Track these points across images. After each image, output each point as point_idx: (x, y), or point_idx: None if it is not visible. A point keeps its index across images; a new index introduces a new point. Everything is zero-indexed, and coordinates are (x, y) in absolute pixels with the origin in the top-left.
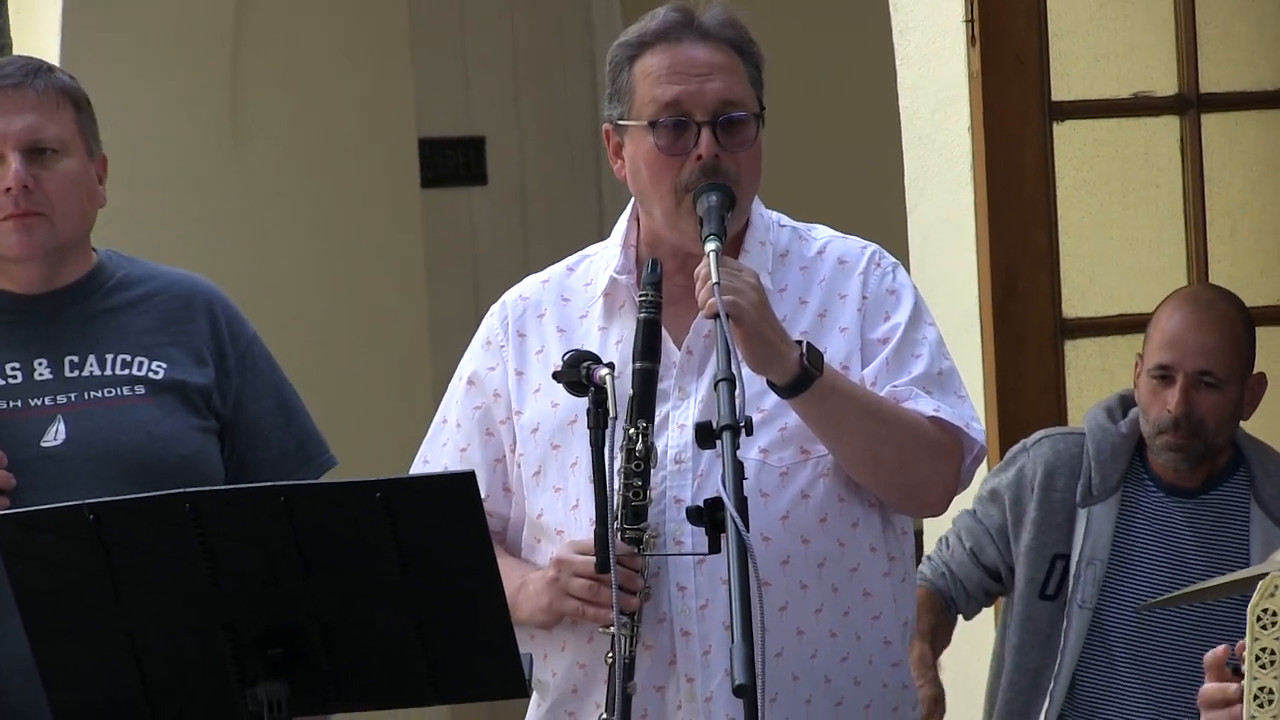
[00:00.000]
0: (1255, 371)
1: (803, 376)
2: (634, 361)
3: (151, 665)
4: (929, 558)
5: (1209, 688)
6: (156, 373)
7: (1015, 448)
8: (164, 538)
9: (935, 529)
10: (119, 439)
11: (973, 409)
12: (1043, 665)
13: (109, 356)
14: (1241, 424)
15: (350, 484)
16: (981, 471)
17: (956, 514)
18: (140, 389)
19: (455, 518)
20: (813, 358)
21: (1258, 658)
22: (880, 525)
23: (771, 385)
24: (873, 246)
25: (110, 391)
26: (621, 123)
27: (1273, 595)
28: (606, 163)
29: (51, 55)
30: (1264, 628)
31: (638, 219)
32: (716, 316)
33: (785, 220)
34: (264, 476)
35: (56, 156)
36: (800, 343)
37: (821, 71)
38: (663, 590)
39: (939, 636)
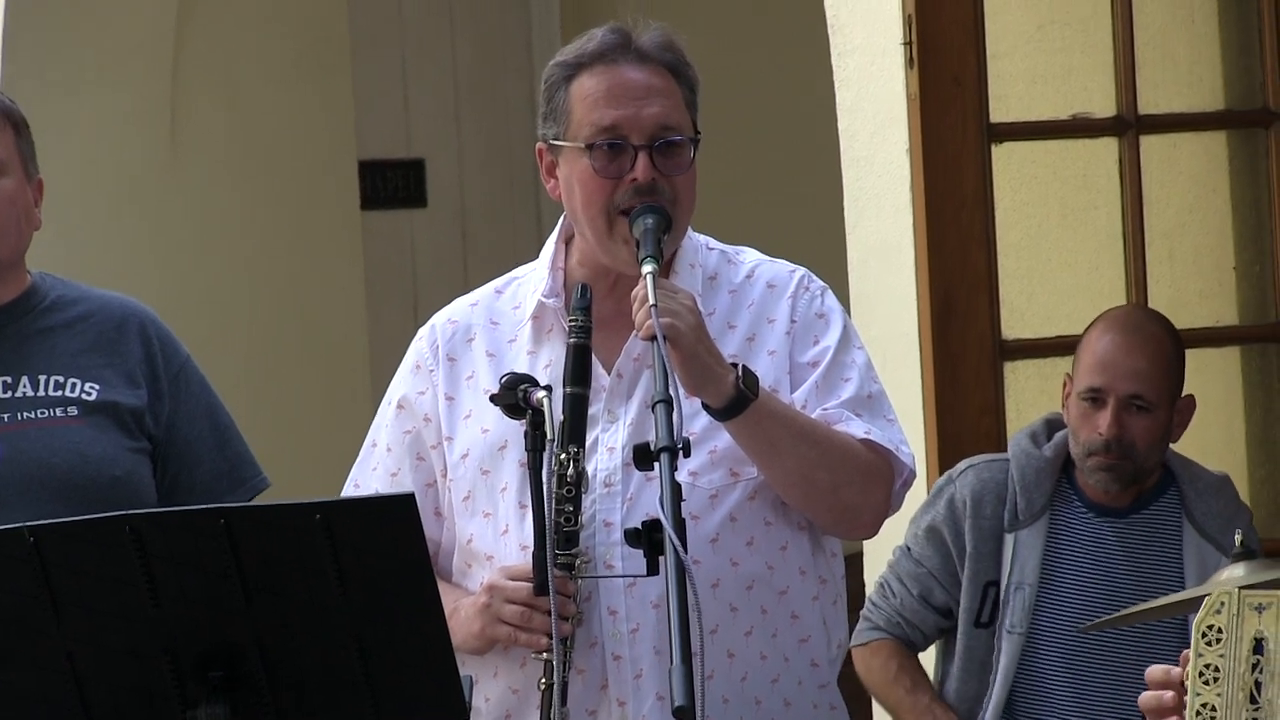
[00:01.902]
0: (1185, 394)
1: (738, 399)
2: (564, 386)
3: (92, 689)
4: (875, 604)
5: (1145, 695)
6: (89, 394)
7: (941, 480)
8: (104, 560)
9: (874, 552)
10: (51, 460)
11: (902, 432)
12: (980, 692)
13: (42, 378)
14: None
15: (290, 506)
16: (913, 500)
17: (893, 553)
18: (73, 410)
19: (395, 539)
20: (748, 381)
21: (1201, 674)
22: (810, 548)
23: (706, 408)
24: (801, 270)
25: (43, 412)
26: (556, 143)
27: (1219, 611)
28: (545, 185)
29: None
30: (1209, 644)
31: (566, 241)
32: (654, 339)
33: (713, 243)
34: (196, 498)
35: None
36: (736, 365)
37: (760, 93)
38: (594, 614)
39: (926, 684)
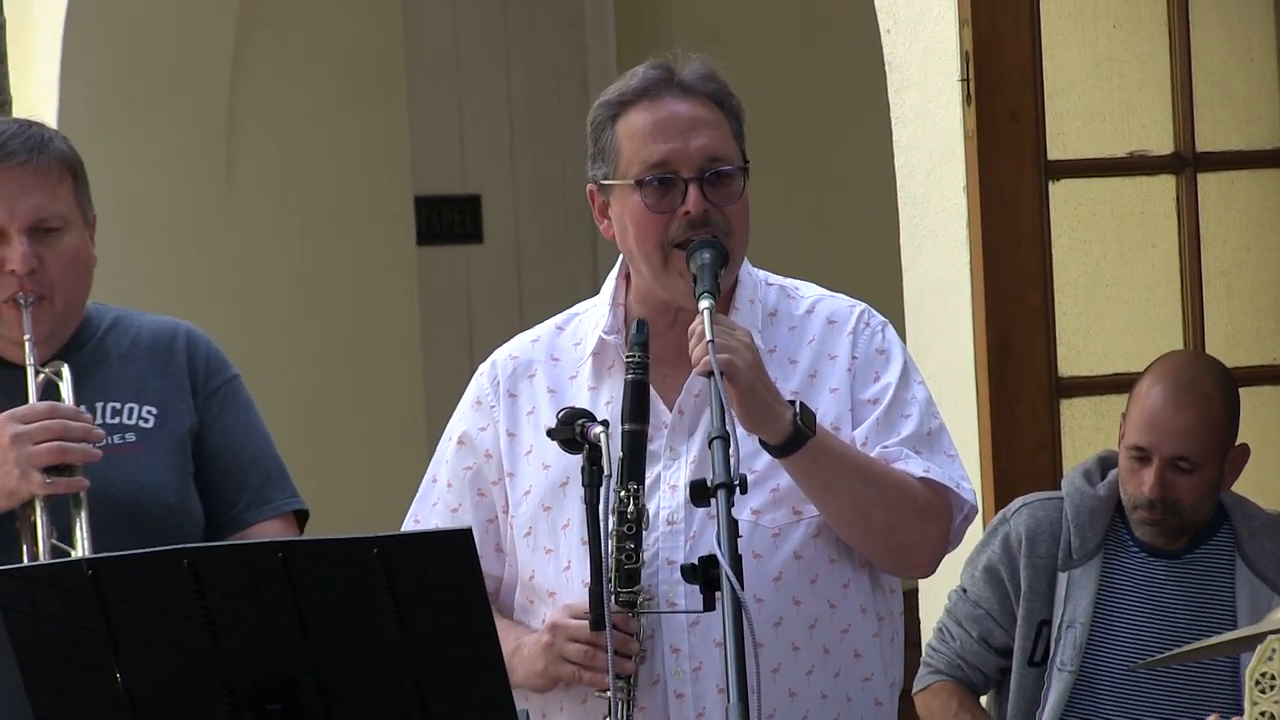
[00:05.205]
0: (1239, 443)
1: (796, 436)
2: (623, 423)
3: None
4: (934, 648)
5: None
6: (146, 420)
7: (995, 519)
8: (162, 593)
9: (929, 589)
10: (108, 490)
11: (963, 468)
12: None
13: (99, 405)
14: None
15: (347, 540)
16: (968, 540)
17: (949, 597)
18: (130, 436)
19: (452, 575)
20: (805, 418)
21: None
22: (870, 586)
23: (764, 445)
24: (861, 305)
25: (102, 441)
26: (606, 182)
27: (1270, 659)
28: (599, 226)
29: (49, 111)
30: (1263, 691)
31: (626, 277)
32: (711, 374)
33: (772, 278)
34: (216, 513)
35: (58, 234)
36: (793, 402)
37: (818, 131)
38: (656, 652)
39: None
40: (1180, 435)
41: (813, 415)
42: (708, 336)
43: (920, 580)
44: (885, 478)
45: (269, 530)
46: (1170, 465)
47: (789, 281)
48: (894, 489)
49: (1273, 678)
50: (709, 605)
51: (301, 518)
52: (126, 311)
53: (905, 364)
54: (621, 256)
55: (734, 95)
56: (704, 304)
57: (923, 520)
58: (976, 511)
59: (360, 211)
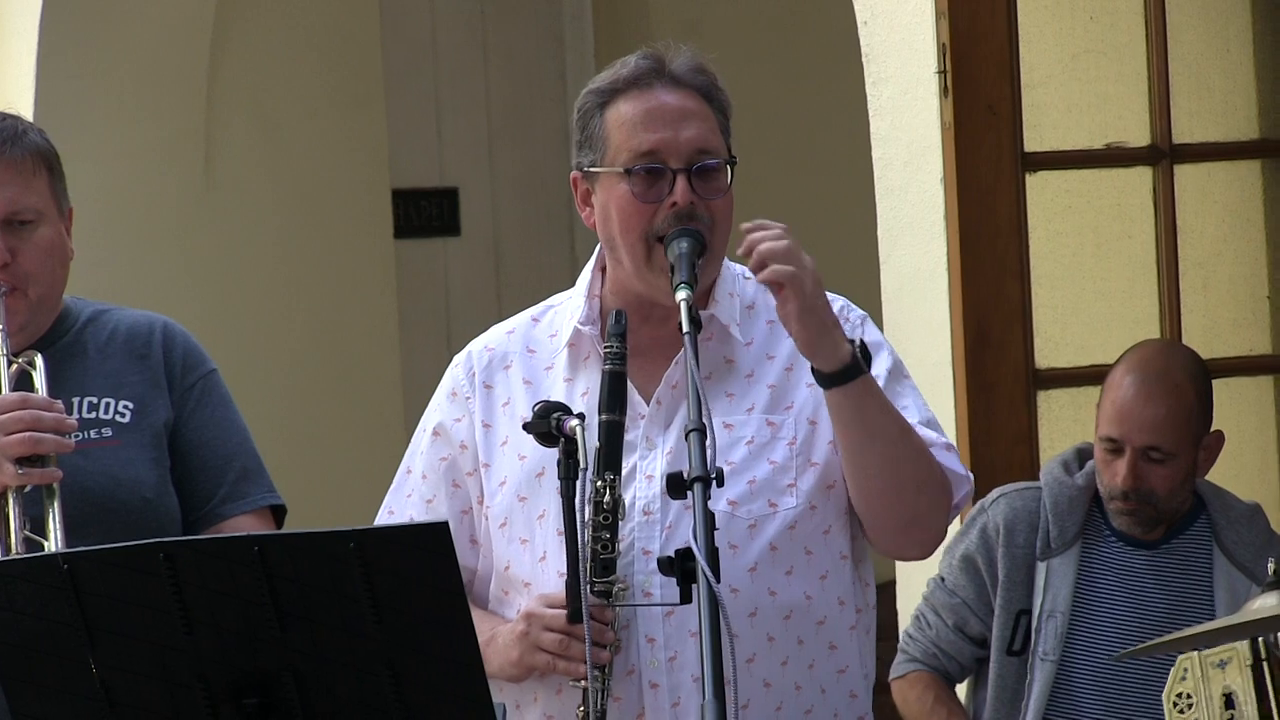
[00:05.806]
0: (1213, 430)
1: (852, 366)
2: (600, 414)
3: (126, 716)
4: (911, 636)
5: None
6: (123, 414)
7: (973, 509)
8: (138, 587)
9: (907, 582)
10: (85, 484)
11: (959, 457)
12: None
13: (75, 400)
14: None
15: (324, 533)
16: (950, 527)
17: (928, 585)
18: (107, 431)
19: (429, 568)
20: (864, 352)
21: None
22: (850, 578)
23: (816, 375)
24: (840, 299)
25: (78, 435)
26: (593, 170)
27: (1184, 678)
28: (580, 213)
29: (26, 105)
30: (1180, 711)
31: (602, 269)
32: (773, 283)
33: (750, 272)
34: (192, 507)
35: (32, 226)
36: (852, 341)
37: (795, 122)
38: (632, 642)
39: (962, 714)
40: (1151, 426)
41: (869, 355)
42: (685, 329)
43: (897, 573)
44: (916, 435)
45: (245, 525)
46: (1143, 456)
47: None
48: (924, 452)
49: (1189, 697)
50: (685, 598)
51: (279, 513)
52: (106, 306)
53: (894, 360)
54: (598, 248)
55: (722, 89)
56: (681, 295)
57: (940, 490)
58: (972, 495)
59: (338, 205)
